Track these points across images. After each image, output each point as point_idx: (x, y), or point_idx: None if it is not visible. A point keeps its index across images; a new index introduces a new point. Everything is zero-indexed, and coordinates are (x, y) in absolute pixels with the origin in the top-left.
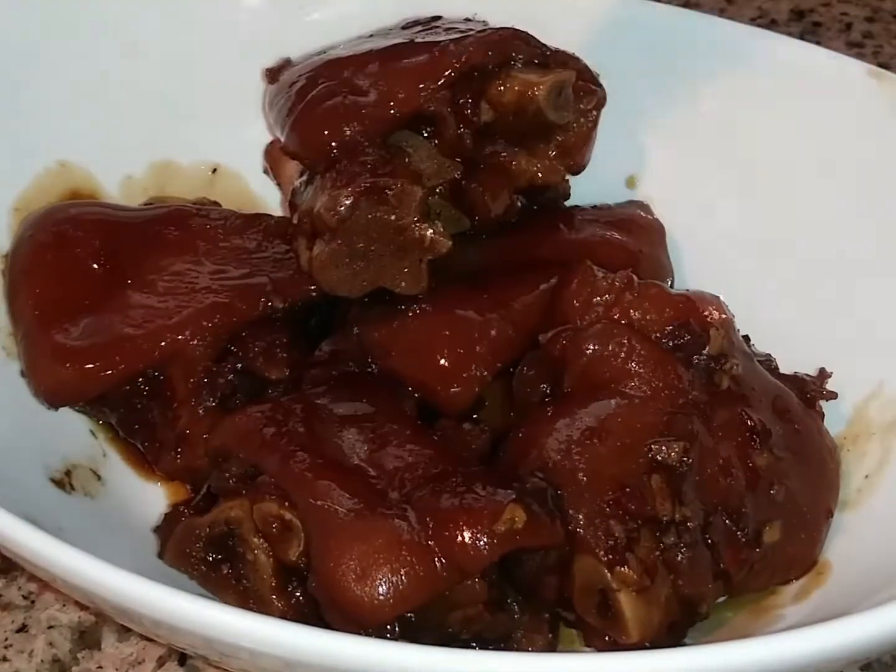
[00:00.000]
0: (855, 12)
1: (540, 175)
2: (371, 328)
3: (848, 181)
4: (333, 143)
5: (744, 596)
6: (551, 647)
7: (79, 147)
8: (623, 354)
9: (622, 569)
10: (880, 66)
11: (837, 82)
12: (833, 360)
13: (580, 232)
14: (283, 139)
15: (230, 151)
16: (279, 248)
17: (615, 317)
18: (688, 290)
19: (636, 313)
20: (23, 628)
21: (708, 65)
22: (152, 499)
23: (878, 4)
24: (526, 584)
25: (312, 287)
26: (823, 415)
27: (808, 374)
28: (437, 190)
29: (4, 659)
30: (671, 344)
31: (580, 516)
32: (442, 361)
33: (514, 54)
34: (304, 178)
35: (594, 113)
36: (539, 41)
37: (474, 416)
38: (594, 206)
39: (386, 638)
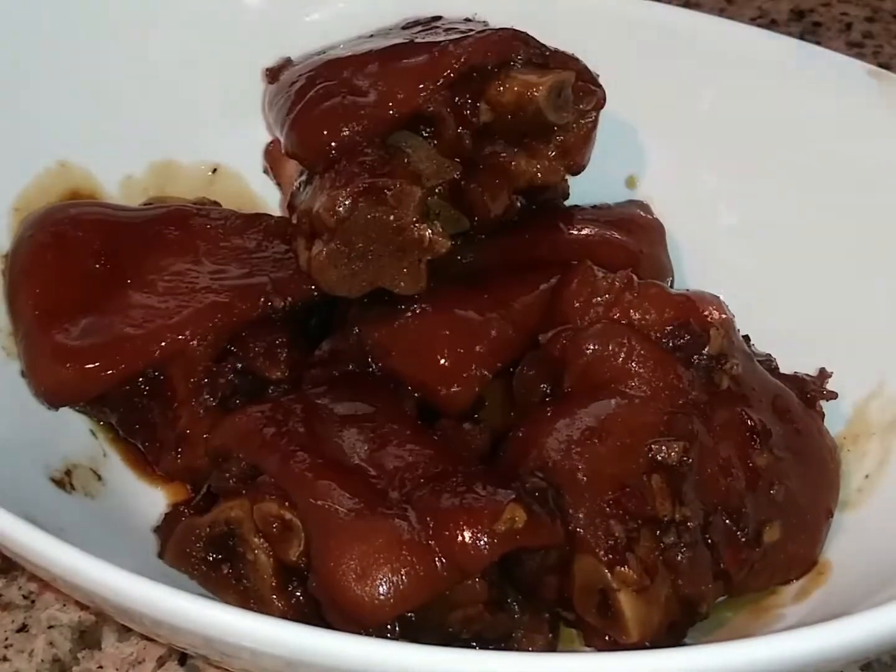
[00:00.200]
0: (855, 12)
1: (539, 175)
2: (371, 328)
3: (848, 181)
4: (332, 144)
5: (744, 596)
6: (551, 647)
7: (79, 147)
8: (623, 354)
9: (622, 568)
10: (880, 66)
11: (837, 82)
12: (833, 361)
13: (580, 232)
14: (282, 139)
15: (230, 151)
16: (279, 248)
17: (615, 317)
18: (688, 290)
19: (636, 313)
20: (23, 628)
21: (708, 65)
22: (152, 499)
23: (878, 4)
24: (526, 584)
25: (312, 287)
26: (823, 415)
27: (808, 374)
28: (437, 190)
29: (4, 659)
30: (671, 344)
31: (580, 516)
32: (442, 361)
33: (513, 55)
34: (304, 178)
35: (594, 113)
36: (539, 41)
37: (474, 416)
38: (594, 206)
39: (386, 638)
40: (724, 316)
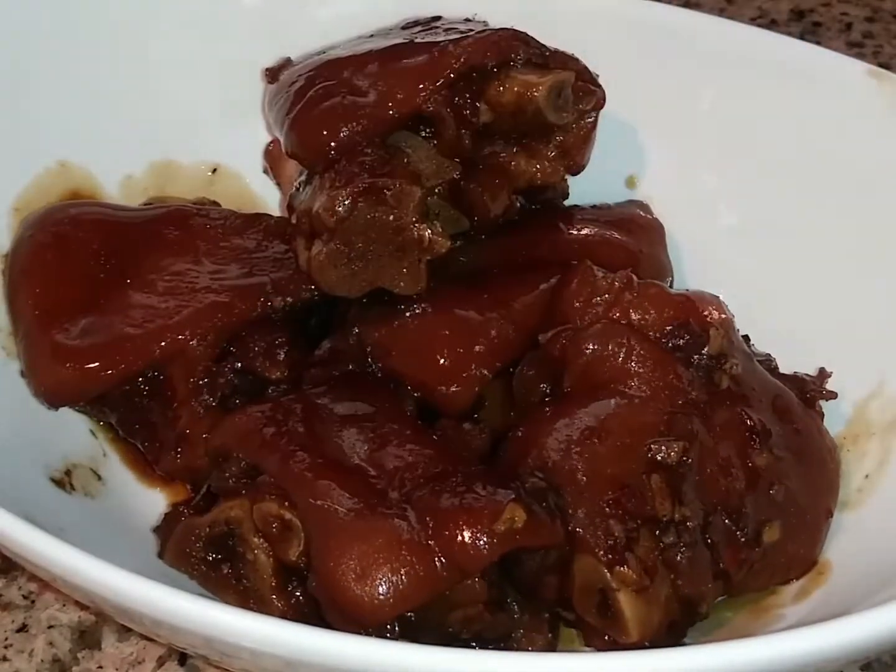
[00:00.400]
0: (855, 12)
1: (539, 175)
2: (371, 328)
3: (848, 181)
4: (332, 144)
5: (744, 596)
6: (551, 647)
7: (79, 147)
8: (623, 354)
9: (622, 568)
10: (880, 66)
11: (837, 82)
12: (833, 361)
13: (580, 232)
14: (282, 139)
15: (230, 151)
16: (279, 247)
17: (615, 317)
18: (688, 290)
19: (636, 313)
20: (23, 628)
21: (708, 65)
22: (152, 499)
23: (878, 4)
24: (526, 584)
25: (312, 287)
26: (823, 415)
27: (808, 374)
28: (436, 190)
29: (4, 659)
30: (671, 344)
31: (580, 516)
32: (442, 361)
33: (513, 55)
34: (303, 178)
35: (593, 113)
36: (538, 42)
37: (474, 416)
38: (594, 206)
39: (386, 638)
40: (723, 316)
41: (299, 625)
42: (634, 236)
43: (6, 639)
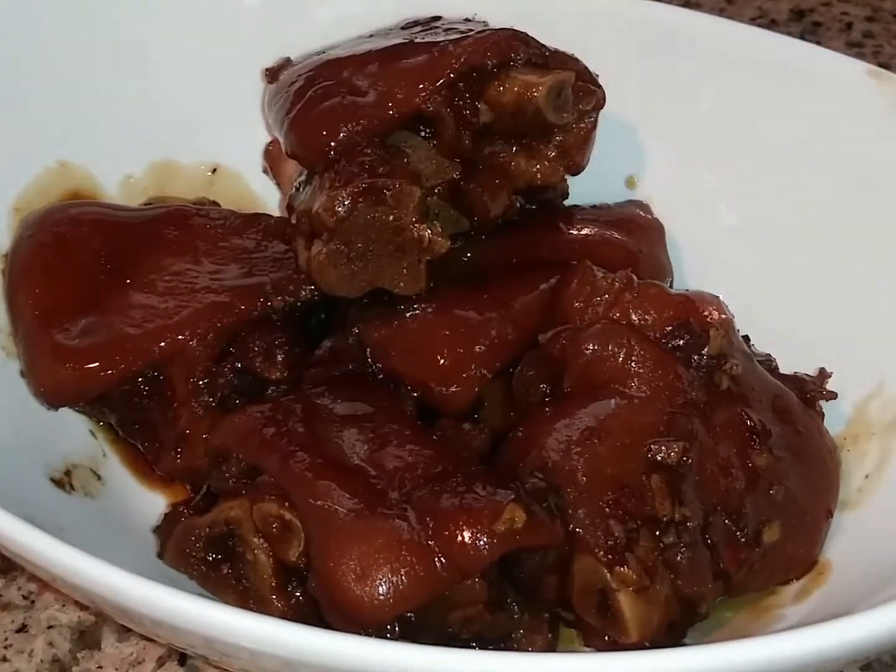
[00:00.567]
0: (855, 12)
1: (539, 175)
2: (370, 328)
3: (848, 181)
4: (332, 144)
5: (744, 596)
6: (551, 647)
7: (79, 147)
8: (623, 354)
9: (622, 569)
10: (880, 66)
11: (837, 82)
12: (833, 360)
13: (580, 232)
14: (281, 139)
15: (230, 151)
16: (279, 247)
17: (615, 317)
18: (688, 290)
19: (636, 313)
20: (23, 628)
21: (708, 65)
22: (152, 499)
23: (878, 4)
24: (526, 584)
25: (312, 287)
26: (823, 415)
27: (808, 374)
28: (436, 190)
29: (4, 659)
30: (671, 344)
31: (580, 516)
32: (442, 361)
33: (513, 55)
34: (303, 178)
35: (594, 113)
36: (538, 42)
37: (474, 416)
38: (594, 206)
39: (386, 638)
40: (723, 316)
41: (299, 625)
42: (634, 236)
43: (6, 639)
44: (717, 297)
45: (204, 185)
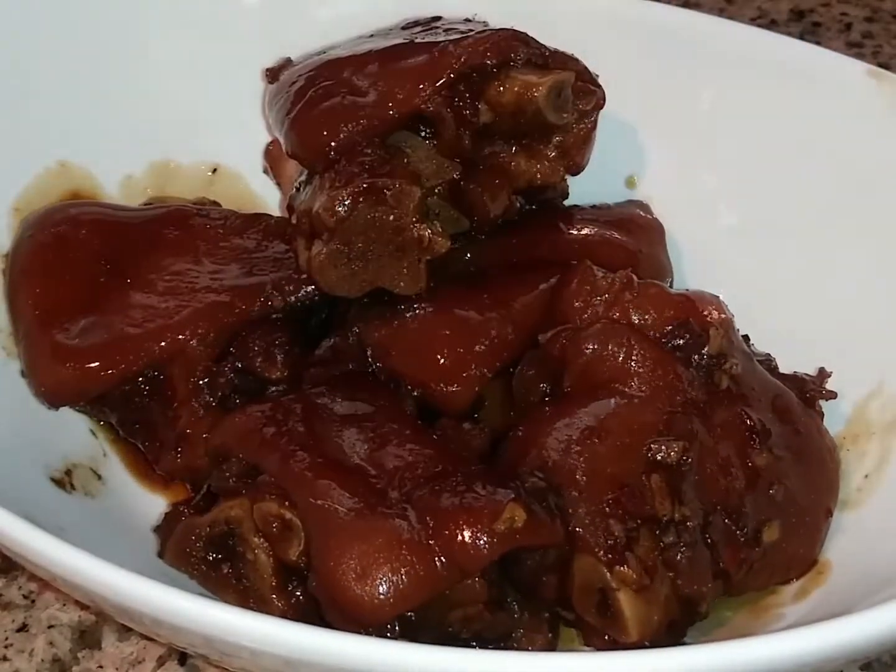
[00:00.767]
0: (855, 12)
1: (539, 176)
2: (371, 328)
3: (848, 181)
4: (332, 144)
5: (743, 595)
6: (551, 647)
7: (79, 147)
8: (622, 354)
9: (622, 568)
10: (880, 66)
11: (837, 82)
12: (833, 360)
13: (580, 232)
14: (282, 139)
15: (230, 151)
16: (279, 247)
17: (615, 316)
18: (688, 290)
19: (636, 313)
20: (23, 628)
21: (708, 65)
22: (152, 498)
23: (878, 4)
24: (526, 584)
25: (312, 287)
26: (823, 414)
27: (807, 374)
28: (436, 190)
29: (4, 658)
30: (671, 344)
31: (580, 515)
32: (442, 361)
33: (513, 55)
34: (303, 178)
35: (593, 114)
36: (538, 42)
37: (474, 415)
38: (594, 206)
39: (386, 637)
40: (723, 316)
41: (299, 624)
42: (634, 236)
43: (6, 639)
44: (717, 297)
45: (204, 185)
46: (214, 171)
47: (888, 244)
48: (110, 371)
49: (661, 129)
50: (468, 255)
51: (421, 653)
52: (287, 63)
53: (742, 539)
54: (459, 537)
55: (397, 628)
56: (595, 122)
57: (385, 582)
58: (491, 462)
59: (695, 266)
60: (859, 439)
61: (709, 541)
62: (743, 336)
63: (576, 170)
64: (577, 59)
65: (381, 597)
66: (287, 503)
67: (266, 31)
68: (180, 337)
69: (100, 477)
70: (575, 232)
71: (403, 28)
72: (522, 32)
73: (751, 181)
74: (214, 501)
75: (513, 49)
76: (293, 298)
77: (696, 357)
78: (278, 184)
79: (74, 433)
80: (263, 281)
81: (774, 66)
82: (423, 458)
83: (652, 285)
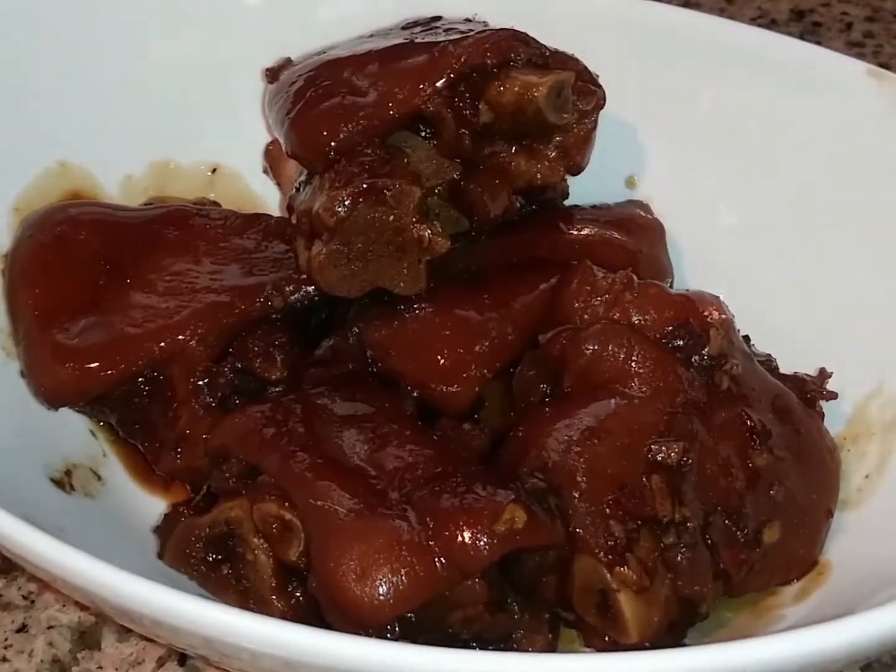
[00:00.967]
0: (855, 12)
1: (539, 176)
2: (371, 328)
3: (848, 181)
4: (332, 144)
5: (744, 596)
6: (551, 647)
7: (79, 147)
8: (623, 354)
9: (622, 569)
10: (880, 66)
11: (837, 82)
12: (833, 360)
13: (580, 232)
14: (282, 139)
15: (230, 151)
16: (279, 247)
17: (615, 317)
18: (688, 290)
19: (636, 313)
20: (23, 628)
21: (708, 65)
22: (152, 499)
23: (878, 4)
24: (526, 584)
25: (312, 287)
26: (823, 415)
27: (808, 374)
28: (436, 190)
29: (4, 659)
30: (671, 344)
31: (580, 516)
32: (442, 361)
33: (513, 55)
34: (303, 178)
35: (594, 114)
36: (538, 42)
37: (474, 416)
38: (594, 206)
39: (386, 638)
40: (724, 316)
41: (299, 625)
42: (634, 236)
43: (6, 639)
44: (717, 297)
45: (204, 185)
46: (214, 171)
47: (888, 244)
48: (110, 371)
49: (661, 129)
50: (468, 255)
51: (421, 654)
52: (287, 63)
53: (742, 540)
54: (459, 538)
55: (397, 629)
56: (595, 122)
57: (385, 583)
58: (491, 462)
59: (695, 266)
60: (859, 439)
61: (709, 541)
62: (743, 336)
63: (576, 170)
64: (577, 59)
65: (381, 598)
66: (287, 504)
67: (266, 31)
68: (180, 337)
69: (99, 477)
70: (575, 232)
71: (403, 28)
72: (522, 32)
73: (751, 181)
74: (214, 502)
75: (513, 49)
76: (293, 298)
77: (696, 357)
78: (278, 184)
79: (74, 433)
80: (263, 281)
81: (774, 66)
82: (423, 458)
83: (652, 285)
